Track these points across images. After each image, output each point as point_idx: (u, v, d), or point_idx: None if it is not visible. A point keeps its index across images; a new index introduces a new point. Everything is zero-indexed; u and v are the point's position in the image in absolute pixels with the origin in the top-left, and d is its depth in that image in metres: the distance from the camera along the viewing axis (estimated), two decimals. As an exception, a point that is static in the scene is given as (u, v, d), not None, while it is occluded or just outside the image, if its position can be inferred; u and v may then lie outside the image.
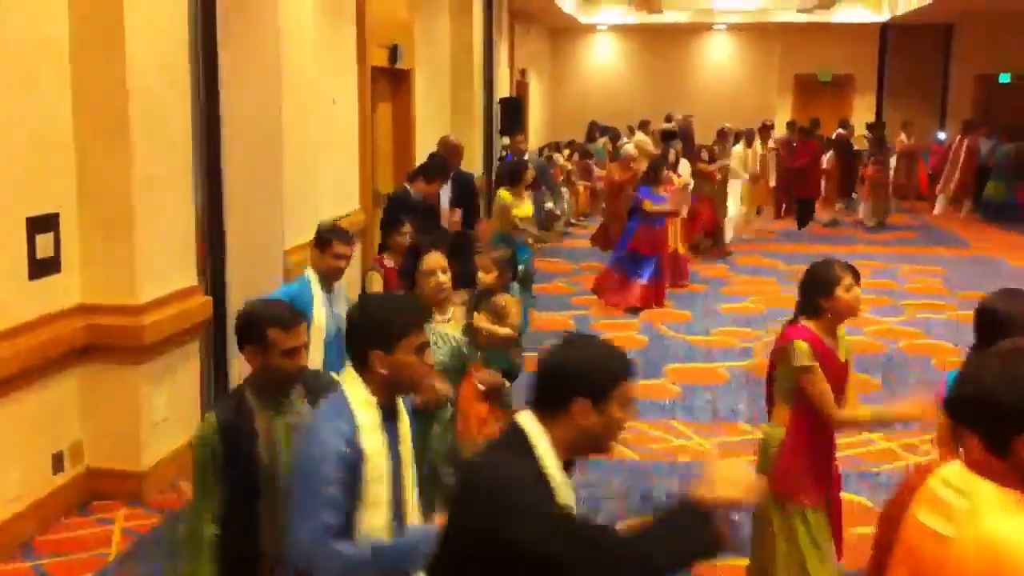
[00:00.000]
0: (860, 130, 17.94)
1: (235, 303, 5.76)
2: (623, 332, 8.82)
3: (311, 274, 4.75)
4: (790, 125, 17.37)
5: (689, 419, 6.69)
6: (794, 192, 15.38)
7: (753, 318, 9.47)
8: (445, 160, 7.71)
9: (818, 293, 3.63)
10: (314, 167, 7.20)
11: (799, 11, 19.99)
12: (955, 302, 10.11)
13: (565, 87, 22.13)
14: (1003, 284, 10.20)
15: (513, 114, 13.17)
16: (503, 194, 8.18)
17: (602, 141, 16.65)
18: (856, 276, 3.68)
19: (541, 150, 15.57)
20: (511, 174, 8.43)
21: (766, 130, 14.88)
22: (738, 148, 13.80)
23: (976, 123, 17.89)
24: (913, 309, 9.83)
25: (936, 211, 16.89)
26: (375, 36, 9.16)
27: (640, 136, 14.66)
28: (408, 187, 7.33)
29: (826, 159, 16.23)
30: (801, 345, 3.61)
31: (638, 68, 21.94)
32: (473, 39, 12.48)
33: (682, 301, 10.00)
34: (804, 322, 3.67)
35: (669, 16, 20.70)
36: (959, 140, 17.28)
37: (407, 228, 5.77)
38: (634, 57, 22.00)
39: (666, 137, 13.48)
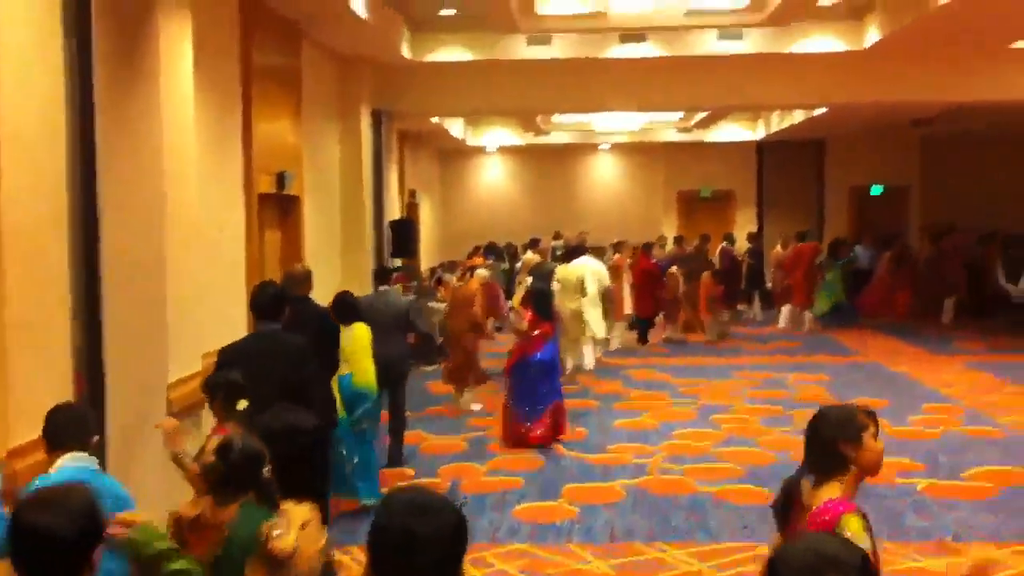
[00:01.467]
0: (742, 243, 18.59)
1: (116, 443, 5.56)
2: (519, 454, 8.78)
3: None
4: (677, 240, 17.85)
5: (586, 541, 6.63)
6: (634, 309, 15.18)
7: (648, 433, 9.53)
8: (278, 294, 5.89)
9: (844, 439, 3.01)
10: (198, 298, 7.07)
11: (679, 131, 20.77)
12: (841, 409, 10.34)
13: (456, 207, 22.43)
14: (884, 388, 10.63)
15: (404, 236, 13.25)
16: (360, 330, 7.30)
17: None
18: (877, 424, 3.13)
19: (433, 270, 15.64)
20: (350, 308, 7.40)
21: (619, 245, 15.06)
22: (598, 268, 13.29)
23: (808, 234, 18.35)
24: (802, 418, 9.99)
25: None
26: (262, 162, 9.16)
27: (530, 255, 14.89)
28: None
29: (672, 274, 15.42)
30: (854, 524, 2.86)
31: (528, 187, 22.42)
32: (362, 163, 12.59)
33: (577, 419, 10.01)
34: (834, 486, 3.00)
35: (555, 137, 21.30)
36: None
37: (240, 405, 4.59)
38: (523, 177, 22.50)
39: (569, 254, 13.59)
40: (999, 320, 16.18)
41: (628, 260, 15.17)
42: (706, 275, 15.45)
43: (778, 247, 17.68)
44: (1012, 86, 13.27)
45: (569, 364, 12.27)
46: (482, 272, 11.72)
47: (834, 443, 3.00)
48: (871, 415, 3.12)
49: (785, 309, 16.81)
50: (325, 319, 6.63)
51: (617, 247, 14.72)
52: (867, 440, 3.02)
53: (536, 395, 9.08)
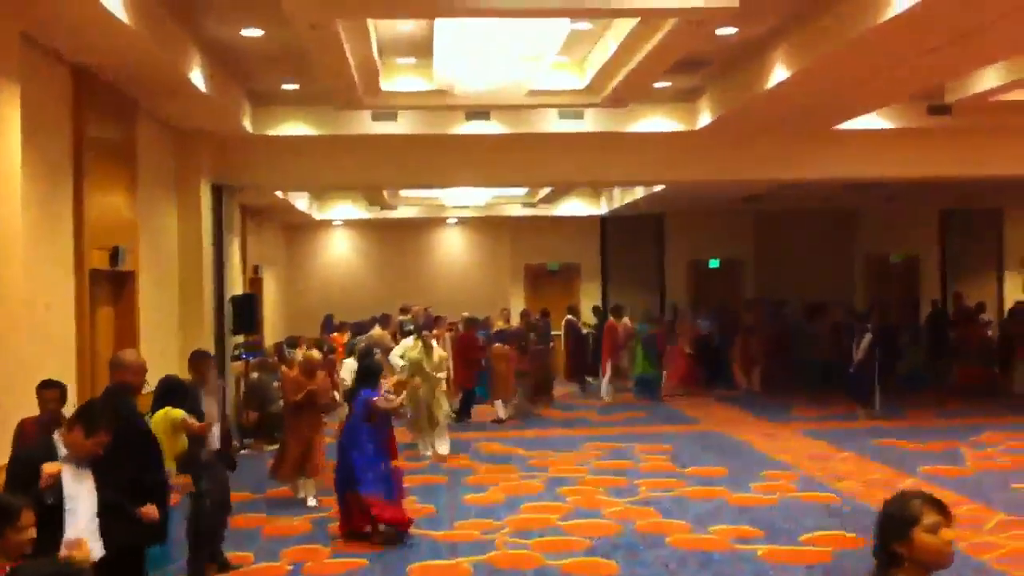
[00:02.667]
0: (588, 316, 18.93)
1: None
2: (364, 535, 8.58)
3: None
4: (523, 315, 18.00)
5: (433, 621, 6.51)
6: (457, 381, 14.55)
7: (496, 507, 9.47)
8: (105, 401, 5.35)
9: (892, 538, 2.92)
10: (24, 377, 6.72)
11: (525, 206, 21.13)
12: (683, 479, 10.57)
13: (302, 282, 22.16)
14: (725, 456, 10.88)
15: (246, 312, 12.98)
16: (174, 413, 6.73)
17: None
18: (945, 513, 2.95)
19: (278, 345, 15.33)
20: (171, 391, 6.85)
21: (438, 320, 14.94)
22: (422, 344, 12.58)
23: (621, 308, 18.93)
24: (646, 488, 10.17)
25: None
26: (95, 237, 8.87)
27: (377, 330, 14.77)
28: (55, 438, 4.84)
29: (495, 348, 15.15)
30: None
31: (375, 261, 22.37)
32: (202, 237, 12.33)
33: (425, 495, 9.88)
34: None
35: (402, 211, 21.37)
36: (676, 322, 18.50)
37: (25, 520, 3.81)
38: (371, 251, 22.44)
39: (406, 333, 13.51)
40: (826, 387, 16.74)
41: (448, 333, 14.84)
42: (500, 347, 14.94)
43: (625, 319, 18.02)
44: (834, 165, 14.06)
45: (428, 451, 11.99)
46: (313, 353, 10.47)
47: (885, 542, 2.96)
48: (934, 503, 2.96)
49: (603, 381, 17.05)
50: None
51: (437, 322, 14.59)
52: (918, 537, 2.89)
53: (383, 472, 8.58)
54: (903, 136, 13.70)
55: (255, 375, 13.24)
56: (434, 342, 12.42)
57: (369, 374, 8.81)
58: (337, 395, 11.98)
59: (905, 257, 22.51)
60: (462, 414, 14.70)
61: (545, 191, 19.61)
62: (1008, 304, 20.49)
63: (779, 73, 10.39)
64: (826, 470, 10.97)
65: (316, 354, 10.35)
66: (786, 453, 11.97)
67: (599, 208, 21.18)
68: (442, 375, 12.29)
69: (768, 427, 14.06)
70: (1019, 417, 14.35)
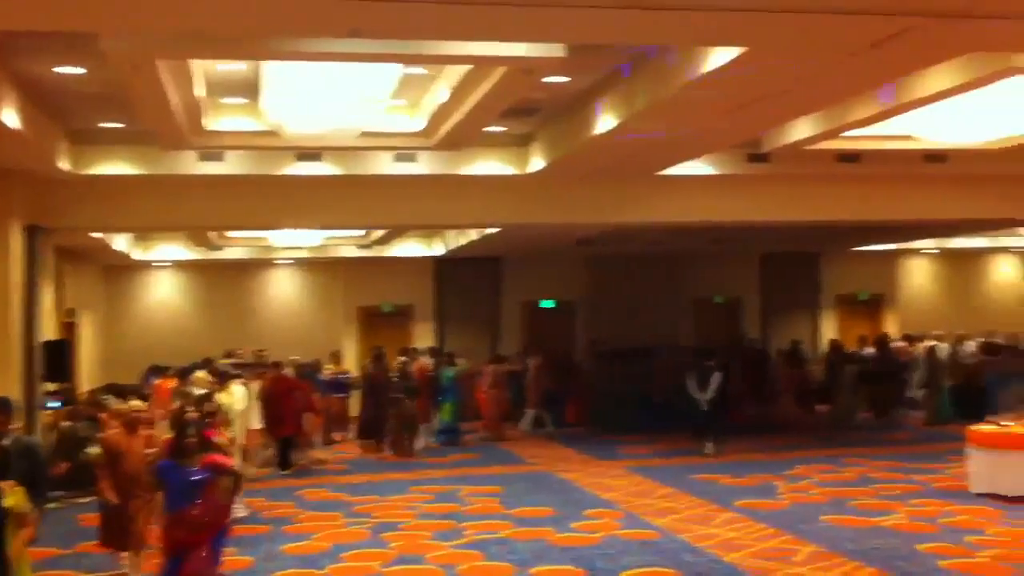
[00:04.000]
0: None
1: None
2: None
3: None
4: (330, 356, 17.81)
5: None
6: (271, 430, 13.76)
7: (317, 556, 9.27)
8: None
9: None
10: None
11: (359, 247, 20.98)
12: (510, 520, 10.62)
13: (123, 325, 21.29)
14: (551, 496, 10.96)
15: (59, 358, 12.40)
16: None
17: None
18: None
19: (92, 393, 14.63)
20: None
21: (263, 366, 14.51)
22: (239, 388, 12.30)
23: (531, 346, 19.48)
24: (472, 531, 10.16)
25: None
26: None
27: (201, 374, 14.30)
28: None
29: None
30: None
31: (202, 304, 21.72)
32: (10, 281, 11.75)
33: (244, 546, 9.59)
34: None
35: (230, 252, 20.87)
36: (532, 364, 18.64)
37: None
38: (197, 293, 21.79)
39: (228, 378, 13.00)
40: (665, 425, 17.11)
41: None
42: (263, 387, 13.83)
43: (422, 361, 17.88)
44: (660, 210, 14.51)
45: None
46: (137, 404, 9.24)
47: None
48: None
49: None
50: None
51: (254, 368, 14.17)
52: None
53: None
54: (725, 182, 14.28)
55: (66, 424, 12.62)
56: (237, 388, 12.06)
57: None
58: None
59: (728, 299, 23.43)
60: (283, 463, 14.07)
61: (380, 233, 19.53)
62: (824, 342, 21.61)
63: (606, 121, 10.69)
64: (648, 507, 11.21)
65: (140, 404, 9.62)
66: (611, 491, 12.19)
67: (434, 250, 21.23)
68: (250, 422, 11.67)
69: (596, 465, 14.29)
70: (833, 450, 15.04)
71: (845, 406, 18.50)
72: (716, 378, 15.20)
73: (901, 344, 20.17)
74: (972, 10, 6.44)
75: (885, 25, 6.78)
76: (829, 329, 23.46)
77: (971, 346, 20.27)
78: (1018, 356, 19.10)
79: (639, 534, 9.90)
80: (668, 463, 14.26)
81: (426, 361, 17.67)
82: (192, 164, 12.75)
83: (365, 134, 11.97)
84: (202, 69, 10.10)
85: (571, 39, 8.22)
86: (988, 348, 19.46)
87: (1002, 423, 11.75)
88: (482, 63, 9.24)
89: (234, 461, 8.53)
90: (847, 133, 12.32)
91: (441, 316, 22.12)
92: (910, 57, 8.03)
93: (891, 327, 23.14)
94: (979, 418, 12.78)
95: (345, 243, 20.71)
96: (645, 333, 20.55)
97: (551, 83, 10.52)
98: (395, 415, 15.64)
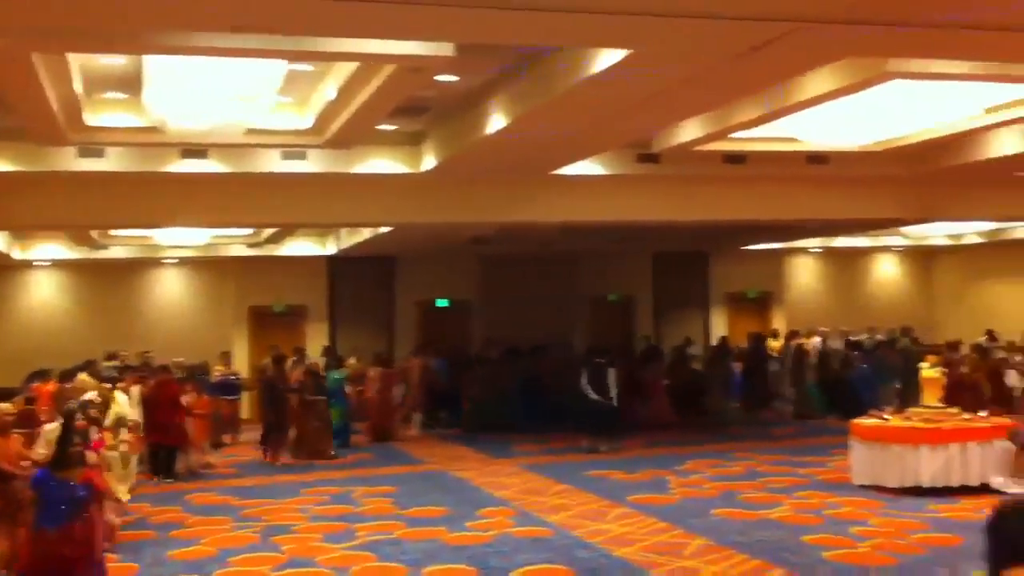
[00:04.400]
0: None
1: None
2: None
3: None
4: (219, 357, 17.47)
5: None
6: (149, 436, 13.21)
7: (205, 562, 9.08)
8: None
9: None
10: None
11: (249, 246, 20.60)
12: (404, 521, 10.56)
13: (3, 327, 20.50)
14: (446, 495, 10.97)
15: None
16: None
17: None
18: None
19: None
20: None
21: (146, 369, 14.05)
22: (121, 395, 11.98)
23: (426, 345, 19.45)
24: (365, 532, 10.07)
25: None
26: None
27: (84, 377, 13.88)
28: None
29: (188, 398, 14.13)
30: None
31: (86, 304, 20.99)
32: None
33: (129, 553, 9.34)
34: None
35: (114, 251, 20.26)
36: (413, 361, 18.56)
37: None
38: (81, 293, 21.07)
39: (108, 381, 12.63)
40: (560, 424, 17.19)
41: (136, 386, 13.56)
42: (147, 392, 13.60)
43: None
44: (553, 209, 14.59)
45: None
46: (4, 407, 9.08)
47: None
48: None
49: None
50: None
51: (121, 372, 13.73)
52: None
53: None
54: (616, 182, 14.43)
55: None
56: (119, 394, 11.74)
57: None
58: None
59: (621, 297, 23.71)
60: (166, 470, 13.50)
61: (270, 231, 19.21)
62: (714, 339, 22.07)
63: (497, 121, 10.70)
64: (542, 504, 11.28)
65: (7, 407, 9.25)
66: (505, 489, 12.23)
67: (327, 249, 20.97)
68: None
69: (490, 463, 14.33)
70: (723, 445, 15.36)
71: (719, 402, 18.89)
72: (612, 375, 15.38)
73: (788, 342, 20.75)
74: (848, 16, 6.63)
75: (765, 30, 6.93)
76: (719, 326, 23.93)
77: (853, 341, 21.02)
78: (894, 351, 19.80)
79: (532, 531, 9.95)
80: (562, 460, 14.37)
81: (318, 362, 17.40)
82: (71, 160, 12.32)
83: (251, 131, 11.76)
84: (81, 63, 9.79)
85: (459, 38, 8.19)
86: (851, 344, 20.16)
87: (884, 417, 12.15)
88: (369, 61, 9.16)
89: (108, 478, 8.18)
90: (734, 135, 12.58)
91: (334, 316, 21.86)
92: (790, 61, 8.23)
93: (779, 324, 23.71)
94: (846, 412, 13.18)
95: (234, 242, 20.29)
96: (540, 331, 20.67)
97: (442, 82, 10.49)
98: (313, 418, 15.34)
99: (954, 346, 18.10)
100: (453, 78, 10.42)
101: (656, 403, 18.22)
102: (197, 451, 14.44)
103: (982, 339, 20.10)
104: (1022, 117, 11.97)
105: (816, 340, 20.58)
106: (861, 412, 12.81)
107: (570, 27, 7.01)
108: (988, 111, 11.98)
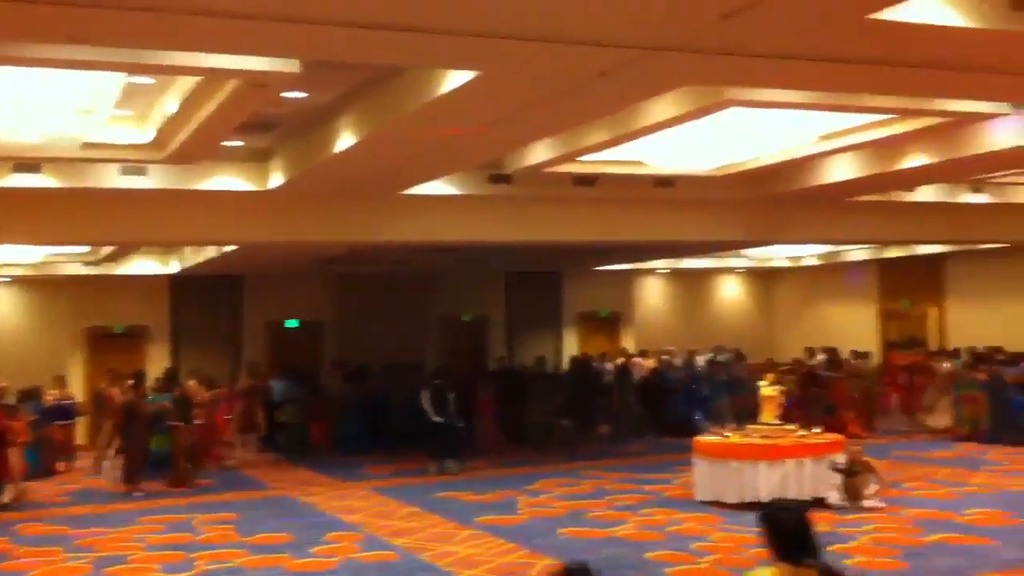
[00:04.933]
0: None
1: None
2: None
3: None
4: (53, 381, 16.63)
5: None
6: None
7: (32, 597, 8.65)
8: None
9: None
10: None
11: (86, 264, 19.77)
12: (246, 548, 10.25)
13: None
14: (290, 521, 10.70)
15: None
16: None
17: None
18: None
19: None
20: None
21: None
22: None
23: (259, 365, 18.89)
24: (205, 561, 9.74)
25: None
26: None
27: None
28: None
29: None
30: None
31: (-91, 325, 19.82)
32: None
33: (-53, 590, 8.81)
34: None
35: (-61, 270, 19.18)
36: (245, 382, 18.01)
37: None
38: (-98, 313, 19.87)
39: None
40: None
41: None
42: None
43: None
44: (404, 229, 14.49)
45: None
46: None
47: None
48: None
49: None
50: None
51: None
52: None
53: None
54: (468, 202, 14.44)
55: None
56: None
57: None
58: None
59: (476, 317, 23.77)
60: None
61: (108, 249, 18.47)
62: (566, 357, 22.34)
63: (346, 139, 10.56)
64: (390, 527, 11.14)
65: None
66: (353, 513, 12.03)
67: (169, 267, 20.31)
68: None
69: (338, 487, 14.09)
70: (573, 464, 15.51)
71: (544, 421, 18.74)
72: (450, 396, 15.29)
73: (636, 360, 21.16)
74: (686, 45, 6.81)
75: (610, 55, 7.05)
76: (571, 345, 24.25)
77: (700, 360, 21.62)
78: (726, 369, 20.45)
79: (378, 556, 9.81)
80: (412, 482, 14.24)
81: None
82: None
83: (88, 145, 11.28)
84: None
85: (304, 55, 8.04)
86: (687, 363, 20.71)
87: (724, 434, 12.48)
88: (211, 75, 8.89)
89: None
90: (584, 157, 12.78)
91: (178, 337, 21.16)
92: (635, 87, 8.41)
93: (628, 343, 24.18)
94: (668, 430, 13.42)
95: (70, 260, 19.45)
96: (393, 352, 20.51)
97: (290, 98, 10.30)
98: (173, 443, 14.64)
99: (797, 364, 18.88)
100: (301, 95, 10.24)
101: (483, 425, 18.01)
102: (19, 479, 13.62)
103: (820, 357, 20.98)
104: (854, 145, 12.56)
105: (639, 359, 20.99)
106: (684, 431, 13.08)
107: (417, 47, 6.98)
108: (822, 138, 12.51)
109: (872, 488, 11.72)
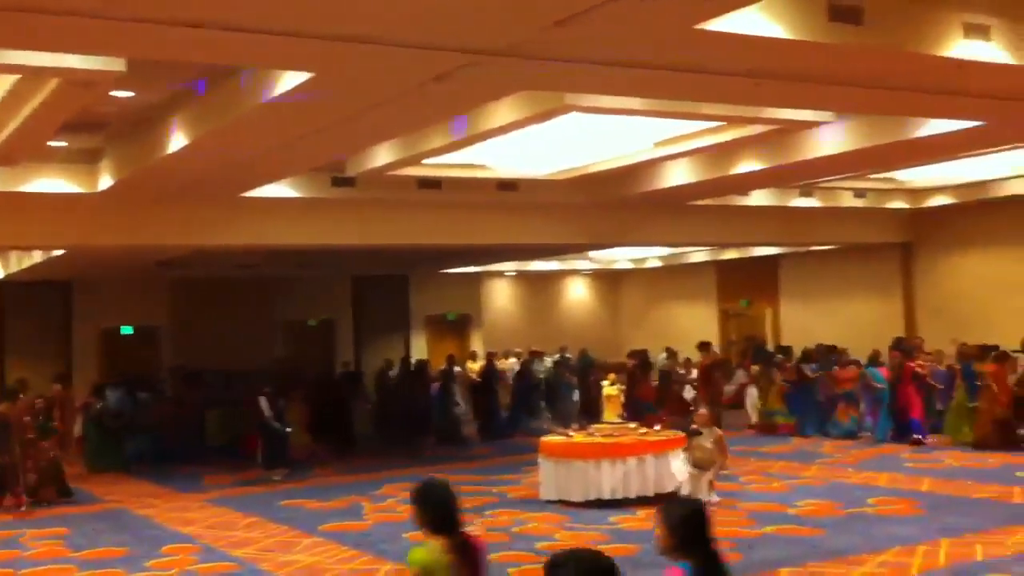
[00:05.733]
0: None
1: None
2: None
3: None
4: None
5: None
6: None
7: None
8: None
9: None
10: None
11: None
12: (76, 564, 9.83)
13: None
14: (125, 534, 10.26)
15: None
16: None
17: None
18: None
19: None
20: None
21: None
22: None
23: (66, 374, 18.05)
24: (30, 580, 9.30)
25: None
26: None
27: None
28: None
29: None
30: None
31: None
32: None
33: None
34: None
35: None
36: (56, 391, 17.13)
37: None
38: None
39: None
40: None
41: None
42: None
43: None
44: (243, 232, 14.19)
45: None
46: None
47: None
48: None
49: None
50: None
51: None
52: None
53: None
54: (311, 206, 14.24)
55: None
56: None
57: None
58: None
59: (321, 321, 23.46)
60: None
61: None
62: (414, 361, 22.21)
63: (178, 140, 10.25)
64: (229, 538, 10.85)
65: None
66: (191, 525, 11.67)
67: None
68: None
69: (175, 498, 13.64)
70: (420, 468, 15.38)
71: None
72: (264, 404, 14.98)
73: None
74: (513, 51, 6.85)
75: (442, 60, 7.05)
76: (419, 349, 24.18)
77: (547, 362, 21.83)
78: (569, 369, 20.73)
79: (217, 567, 9.54)
80: (253, 491, 13.91)
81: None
82: None
83: None
84: None
85: (128, 53, 7.75)
86: (524, 366, 20.87)
87: (568, 434, 12.65)
88: (28, 73, 8.48)
89: None
90: (428, 160, 12.76)
91: (3, 346, 20.13)
92: (471, 91, 8.45)
93: (477, 345, 24.30)
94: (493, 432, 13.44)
95: None
96: (235, 358, 20.02)
97: (119, 97, 9.93)
98: (32, 457, 13.67)
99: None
100: (129, 94, 9.89)
101: (295, 433, 17.56)
102: None
103: (662, 356, 21.45)
104: (689, 151, 12.94)
105: (469, 363, 21.06)
106: (510, 432, 13.15)
107: (247, 47, 6.83)
108: (657, 145, 12.84)
109: (714, 472, 11.89)
